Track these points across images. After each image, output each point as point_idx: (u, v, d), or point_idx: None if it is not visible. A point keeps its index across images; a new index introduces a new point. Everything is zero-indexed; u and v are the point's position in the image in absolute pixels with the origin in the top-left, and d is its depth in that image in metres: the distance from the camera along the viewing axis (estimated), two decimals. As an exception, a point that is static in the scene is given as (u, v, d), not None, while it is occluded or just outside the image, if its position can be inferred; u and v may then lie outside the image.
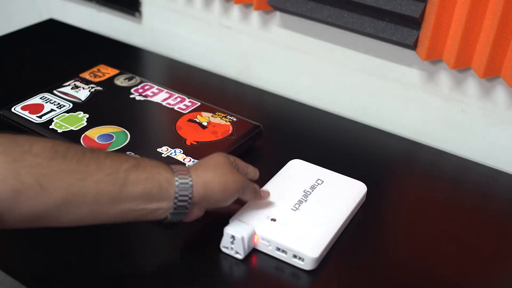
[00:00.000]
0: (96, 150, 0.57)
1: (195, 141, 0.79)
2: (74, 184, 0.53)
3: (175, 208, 0.59)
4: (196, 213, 0.62)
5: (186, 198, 0.59)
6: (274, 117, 0.95)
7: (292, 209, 0.68)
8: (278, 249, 0.64)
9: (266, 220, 0.66)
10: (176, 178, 0.59)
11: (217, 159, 0.64)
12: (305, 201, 0.70)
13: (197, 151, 0.77)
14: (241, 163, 0.69)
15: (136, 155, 0.70)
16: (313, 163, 0.78)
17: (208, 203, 0.62)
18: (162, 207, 0.58)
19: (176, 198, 0.58)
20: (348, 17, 0.89)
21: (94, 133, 0.79)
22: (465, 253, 0.69)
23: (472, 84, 0.85)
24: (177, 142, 0.78)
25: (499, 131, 0.86)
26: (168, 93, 0.90)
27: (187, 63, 1.09)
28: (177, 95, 0.89)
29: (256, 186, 0.67)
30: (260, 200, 0.69)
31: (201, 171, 0.61)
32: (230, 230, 0.64)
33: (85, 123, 0.81)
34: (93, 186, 0.54)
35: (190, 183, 0.59)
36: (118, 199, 0.56)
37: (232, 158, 0.67)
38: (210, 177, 0.61)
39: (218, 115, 0.85)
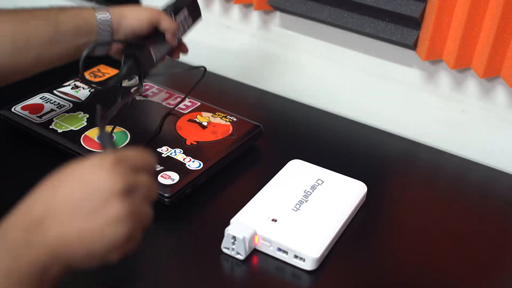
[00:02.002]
0: (27, 8, 0.71)
1: (195, 141, 0.79)
2: (17, 32, 0.68)
3: (98, 39, 0.73)
4: (116, 46, 0.77)
5: (107, 27, 0.73)
6: (274, 117, 0.95)
7: (293, 209, 0.68)
8: (279, 249, 0.64)
9: (267, 221, 0.66)
10: (97, 14, 0.73)
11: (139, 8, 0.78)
12: (306, 201, 0.70)
13: (197, 151, 0.77)
14: (165, 20, 0.77)
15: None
16: (313, 163, 0.78)
17: (125, 29, 0.75)
18: (90, 41, 0.73)
19: (98, 27, 0.73)
20: (348, 17, 0.89)
21: (94, 133, 0.79)
22: (465, 253, 0.69)
23: (472, 84, 0.86)
24: (177, 142, 0.78)
25: (499, 131, 0.86)
26: (168, 93, 0.90)
27: (187, 63, 1.09)
28: (177, 95, 0.89)
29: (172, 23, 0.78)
30: (173, 37, 0.79)
31: (118, 9, 0.75)
32: (231, 230, 0.64)
33: (85, 123, 0.81)
34: (33, 30, 0.69)
35: (109, 17, 0.73)
36: (56, 39, 0.70)
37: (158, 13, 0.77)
38: (126, 10, 0.75)
39: (218, 115, 0.85)
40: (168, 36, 0.78)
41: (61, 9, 0.72)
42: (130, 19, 0.75)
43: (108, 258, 0.44)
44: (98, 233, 0.42)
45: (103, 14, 0.74)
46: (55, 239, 0.42)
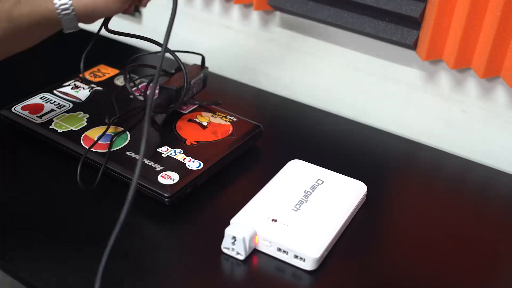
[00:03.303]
0: None
1: (195, 141, 0.79)
2: None
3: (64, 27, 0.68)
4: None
5: (71, 17, 0.67)
6: (274, 117, 0.95)
7: (293, 209, 0.68)
8: (279, 249, 0.64)
9: (267, 221, 0.66)
10: (58, 10, 0.65)
11: None
12: (306, 201, 0.70)
13: (197, 151, 0.77)
14: None
15: None
16: (313, 163, 0.78)
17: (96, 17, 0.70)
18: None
19: (61, 19, 0.66)
20: (348, 17, 0.89)
21: (94, 133, 0.79)
22: (465, 253, 0.69)
23: (472, 84, 0.86)
24: (177, 142, 0.78)
25: (499, 131, 0.86)
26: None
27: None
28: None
29: None
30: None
31: None
32: (231, 231, 0.64)
33: (85, 123, 0.81)
34: None
35: (69, 4, 0.66)
36: (13, 33, 0.65)
37: None
38: None
39: (218, 115, 0.85)
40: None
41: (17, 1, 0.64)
42: (100, 6, 0.68)
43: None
44: None
45: (64, 7, 0.65)
46: None
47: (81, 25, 1.29)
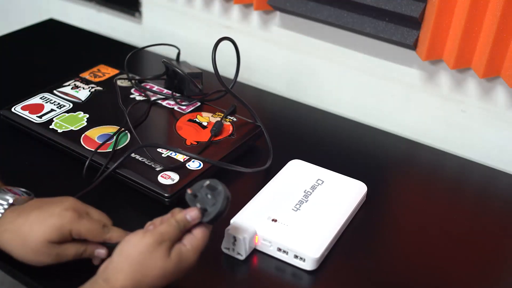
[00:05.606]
0: None
1: (195, 141, 0.79)
2: None
3: None
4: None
5: None
6: (274, 117, 0.95)
7: (293, 209, 0.68)
8: (279, 249, 0.64)
9: (267, 221, 0.66)
10: None
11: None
12: (306, 201, 0.70)
13: (197, 151, 0.77)
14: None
15: None
16: (313, 163, 0.78)
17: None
18: None
19: None
20: (348, 17, 0.89)
21: (94, 133, 0.79)
22: (466, 253, 0.69)
23: (472, 84, 0.86)
24: (177, 142, 0.78)
25: (499, 131, 0.86)
26: (168, 93, 0.90)
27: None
28: (177, 95, 0.89)
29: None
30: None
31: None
32: (231, 231, 0.64)
33: (85, 123, 0.81)
34: None
35: None
36: None
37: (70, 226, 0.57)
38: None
39: (218, 115, 0.85)
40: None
41: None
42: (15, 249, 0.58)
43: None
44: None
45: None
46: None
47: (81, 24, 1.29)
